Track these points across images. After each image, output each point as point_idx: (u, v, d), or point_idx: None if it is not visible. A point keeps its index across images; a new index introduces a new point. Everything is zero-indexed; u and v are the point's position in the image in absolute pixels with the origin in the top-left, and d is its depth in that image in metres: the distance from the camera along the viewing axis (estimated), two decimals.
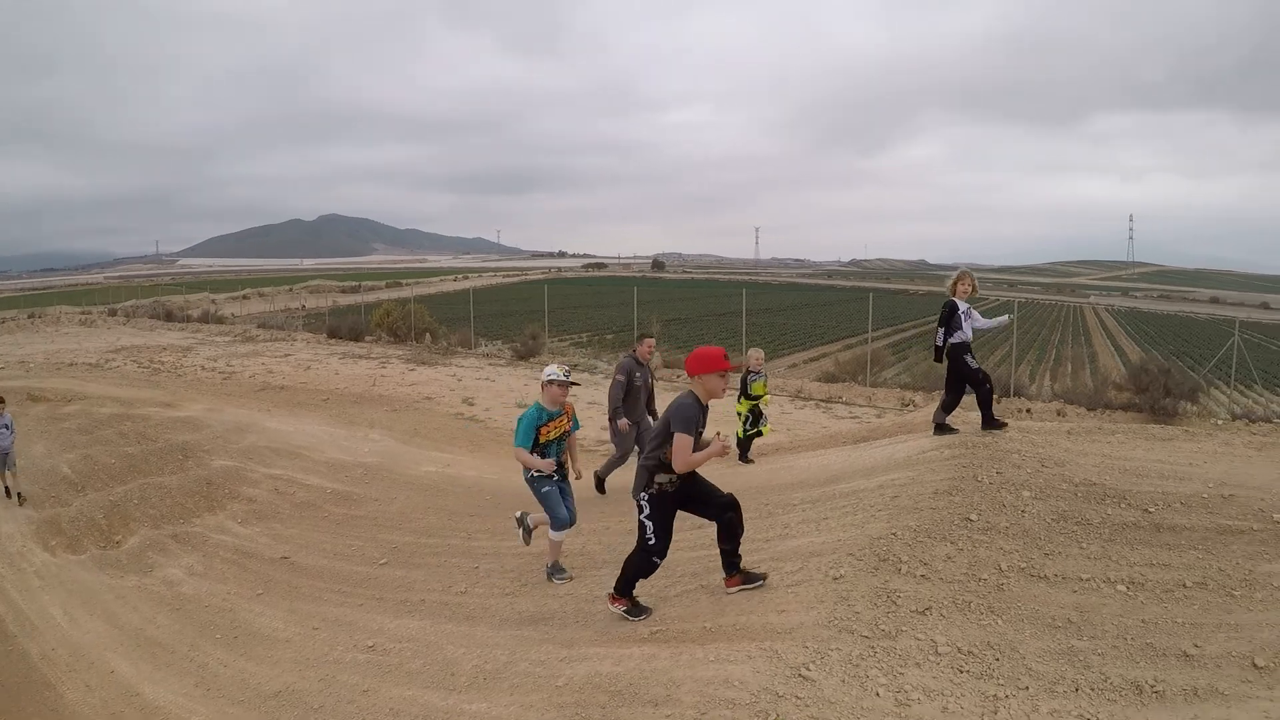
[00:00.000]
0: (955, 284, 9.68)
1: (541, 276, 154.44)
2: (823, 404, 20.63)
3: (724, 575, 6.30)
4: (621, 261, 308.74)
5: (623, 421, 10.48)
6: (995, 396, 9.43)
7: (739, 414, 12.54)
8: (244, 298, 75.35)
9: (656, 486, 6.06)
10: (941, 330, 9.51)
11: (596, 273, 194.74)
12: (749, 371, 12.44)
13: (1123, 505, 6.73)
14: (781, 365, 34.50)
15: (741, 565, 6.25)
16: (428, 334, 32.32)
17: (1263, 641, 5.15)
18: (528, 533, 7.93)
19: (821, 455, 10.82)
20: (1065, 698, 4.49)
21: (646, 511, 6.13)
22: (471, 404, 18.06)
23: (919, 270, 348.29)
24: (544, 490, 7.53)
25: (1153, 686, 4.60)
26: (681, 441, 5.79)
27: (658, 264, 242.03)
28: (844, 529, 6.77)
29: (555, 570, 7.70)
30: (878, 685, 4.50)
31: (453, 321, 38.97)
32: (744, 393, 12.22)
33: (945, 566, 5.74)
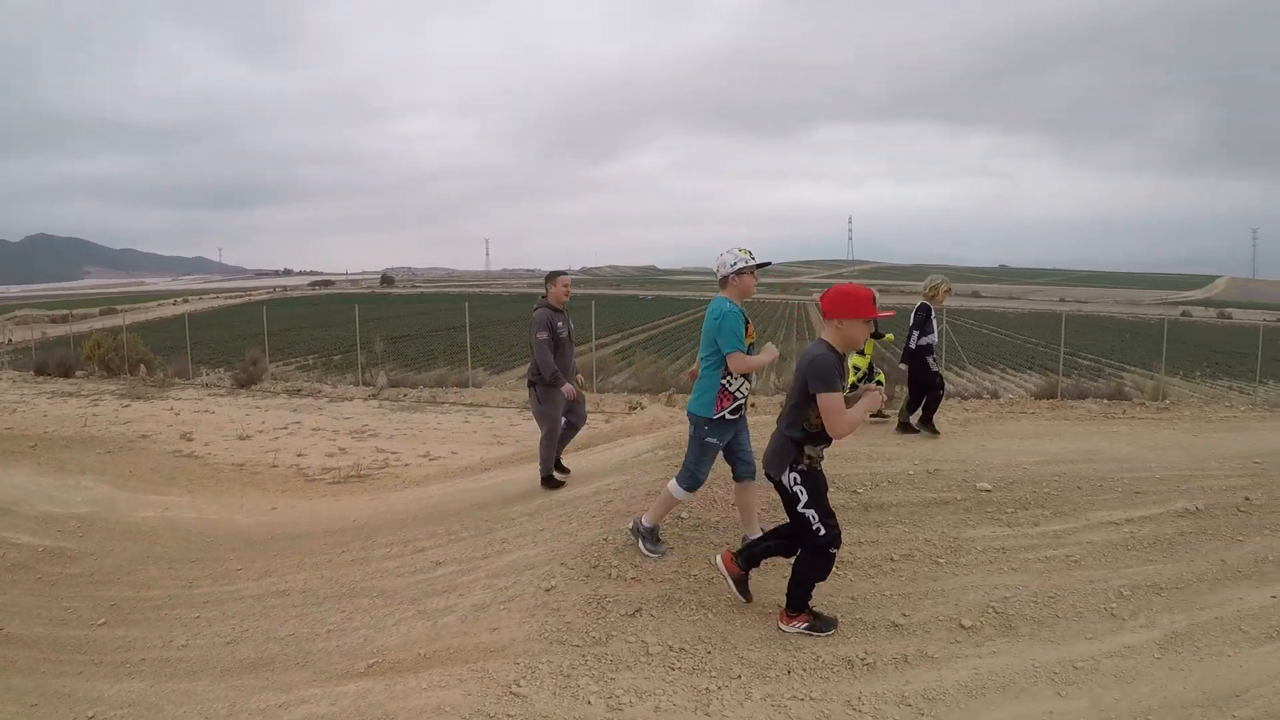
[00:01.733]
0: (941, 291, 10.11)
1: (266, 296, 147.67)
2: None
3: (733, 551, 5.46)
4: (349, 278, 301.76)
5: (568, 387, 8.68)
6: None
7: (855, 367, 10.79)
8: None
9: (807, 461, 5.05)
10: (915, 333, 9.90)
11: (323, 290, 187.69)
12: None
13: (832, 489, 6.86)
14: (513, 376, 34.43)
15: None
16: (142, 365, 30.38)
17: (969, 603, 5.39)
18: (652, 540, 6.11)
19: None
20: (778, 681, 4.52)
21: (804, 499, 5.00)
22: (190, 439, 17.02)
23: (648, 275, 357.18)
24: (709, 440, 5.94)
25: (863, 659, 4.73)
26: (833, 401, 4.72)
27: (387, 279, 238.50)
28: (558, 539, 6.67)
29: (650, 538, 6.11)
30: (589, 693, 4.39)
31: (170, 350, 36.57)
32: (873, 333, 10.28)
33: (656, 567, 5.74)
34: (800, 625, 5.13)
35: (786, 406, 5.07)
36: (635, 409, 19.67)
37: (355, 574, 7.44)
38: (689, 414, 6.05)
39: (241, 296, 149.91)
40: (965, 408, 15.27)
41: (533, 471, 9.18)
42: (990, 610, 5.30)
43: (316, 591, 7.48)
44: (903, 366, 10.02)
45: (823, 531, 4.96)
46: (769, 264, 6.21)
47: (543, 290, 9.00)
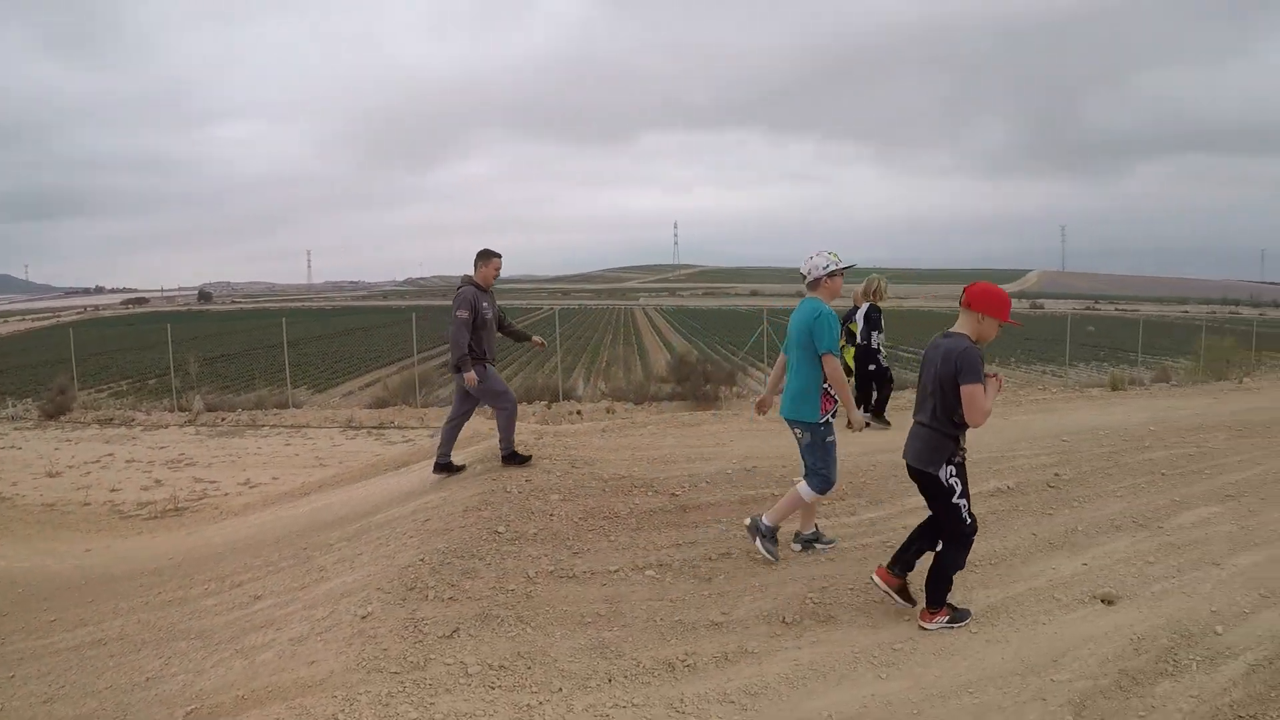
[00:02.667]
0: (884, 289, 11.08)
1: (76, 317, 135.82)
2: (375, 431, 20.24)
3: (885, 565, 5.54)
4: (165, 295, 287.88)
5: (469, 375, 8.06)
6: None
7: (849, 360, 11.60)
8: None
9: (961, 454, 5.17)
10: (875, 333, 10.87)
11: (137, 309, 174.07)
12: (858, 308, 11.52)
13: (651, 493, 6.98)
14: (336, 394, 33.51)
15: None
16: None
17: (788, 596, 5.49)
18: (771, 540, 6.19)
19: (364, 487, 10.43)
20: (599, 691, 4.49)
21: (959, 490, 5.16)
22: None
23: None
24: (829, 439, 6.13)
25: (684, 661, 4.73)
26: (976, 391, 4.89)
27: (205, 295, 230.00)
28: (376, 562, 6.49)
29: (819, 538, 6.43)
30: None
31: None
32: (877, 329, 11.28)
33: (473, 584, 5.63)
34: (942, 620, 5.26)
35: (932, 401, 5.14)
36: None
37: (173, 615, 7.13)
38: (794, 421, 6.15)
39: (50, 317, 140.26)
40: None
41: (349, 493, 8.94)
42: (809, 601, 5.41)
43: (134, 638, 7.14)
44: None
45: (969, 522, 5.17)
46: (854, 266, 6.43)
47: (464, 276, 8.40)
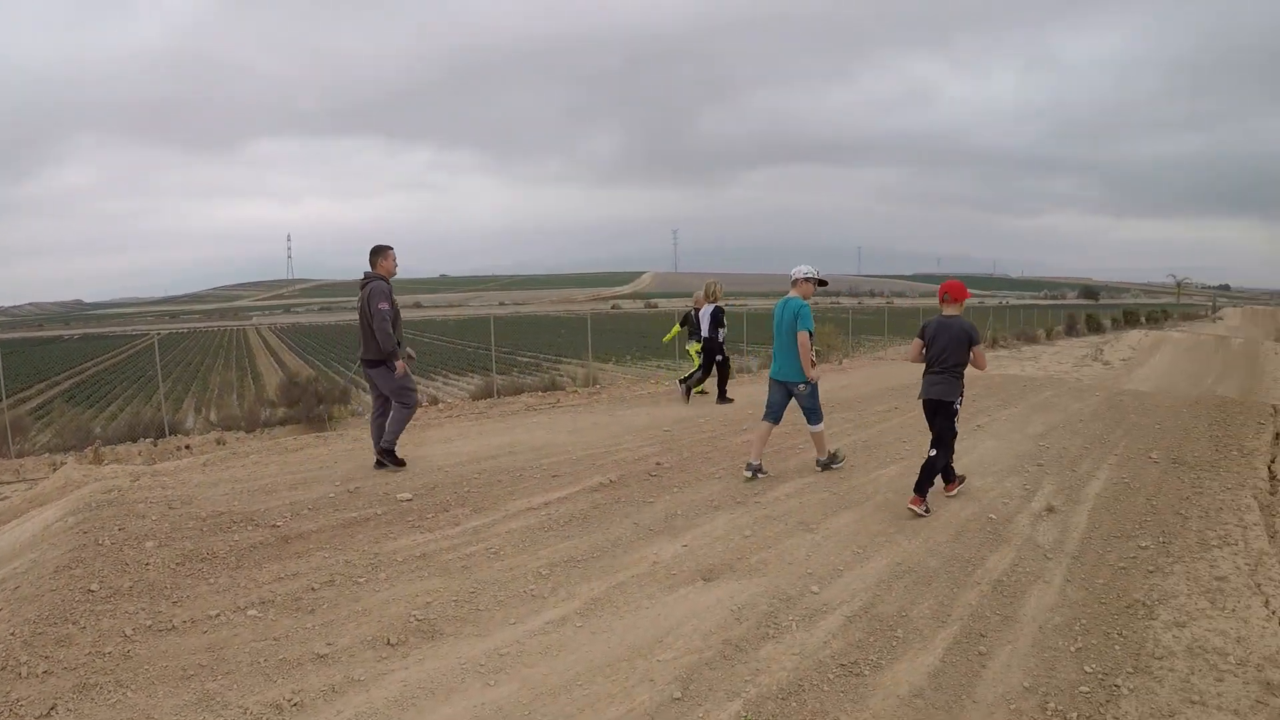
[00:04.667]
0: (720, 291, 14.25)
1: None
2: None
3: (914, 495, 7.64)
4: None
5: (401, 364, 8.51)
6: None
7: (694, 353, 15.14)
8: None
9: (963, 388, 7.77)
10: (720, 329, 13.90)
11: None
12: (697, 311, 14.62)
13: (251, 527, 6.75)
14: None
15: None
16: None
17: (391, 617, 5.46)
18: (834, 459, 9.29)
19: None
20: None
21: (958, 409, 7.77)
22: None
23: (75, 312, 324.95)
24: (815, 389, 8.85)
25: (291, 700, 4.58)
26: (980, 348, 7.69)
27: None
28: None
29: (834, 459, 9.23)
30: None
31: None
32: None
33: (68, 653, 5.12)
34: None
35: (947, 359, 7.64)
36: (58, 467, 17.63)
37: None
38: (793, 381, 8.71)
39: None
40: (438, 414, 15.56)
41: None
42: (413, 619, 5.42)
43: None
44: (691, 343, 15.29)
45: (955, 432, 7.87)
46: (827, 284, 9.34)
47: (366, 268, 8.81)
